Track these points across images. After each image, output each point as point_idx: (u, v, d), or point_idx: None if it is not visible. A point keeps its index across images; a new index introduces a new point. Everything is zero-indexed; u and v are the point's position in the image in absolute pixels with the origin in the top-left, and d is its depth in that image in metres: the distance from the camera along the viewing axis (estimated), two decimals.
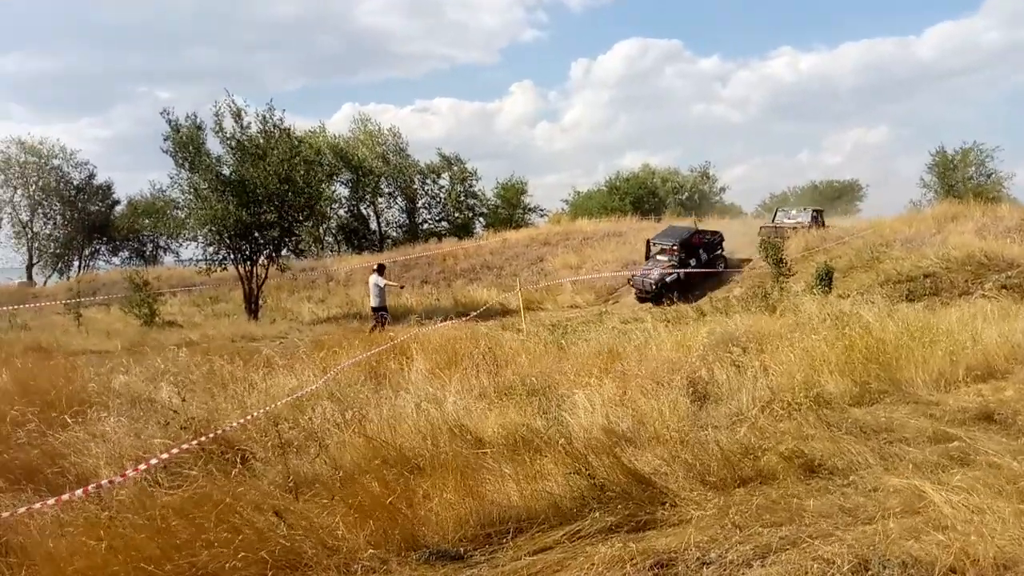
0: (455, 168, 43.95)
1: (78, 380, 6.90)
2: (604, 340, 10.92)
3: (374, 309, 14.87)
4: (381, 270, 15.26)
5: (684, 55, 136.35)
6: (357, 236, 43.27)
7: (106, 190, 43.52)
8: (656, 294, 20.00)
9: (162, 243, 41.97)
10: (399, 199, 44.49)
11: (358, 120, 44.53)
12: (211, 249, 21.31)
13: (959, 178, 33.61)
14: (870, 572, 3.22)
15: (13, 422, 5.36)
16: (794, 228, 24.29)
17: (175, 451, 4.60)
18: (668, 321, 13.97)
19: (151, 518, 3.50)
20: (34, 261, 41.22)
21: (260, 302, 21.89)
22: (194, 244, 22.54)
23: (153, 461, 4.44)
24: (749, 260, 22.63)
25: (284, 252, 23.28)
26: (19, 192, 40.87)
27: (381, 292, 14.72)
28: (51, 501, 3.73)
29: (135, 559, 3.24)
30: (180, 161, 20.26)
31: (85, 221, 41.95)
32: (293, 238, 23.00)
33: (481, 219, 45.08)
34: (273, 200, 20.57)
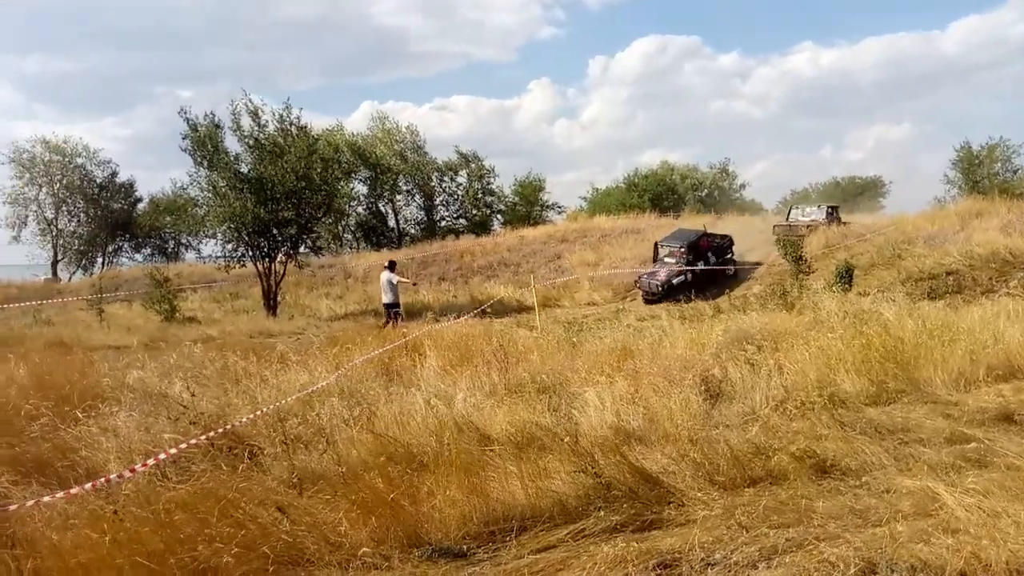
0: (472, 165, 44.04)
1: (93, 375, 6.98)
2: (618, 337, 10.87)
3: (386, 306, 14.91)
4: (392, 267, 15.29)
5: (703, 52, 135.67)
6: (376, 233, 43.48)
7: (128, 188, 44.19)
8: (663, 296, 19.85)
9: (183, 240, 42.46)
10: (417, 196, 44.69)
11: (376, 118, 44.80)
12: (230, 246, 21.54)
13: (984, 174, 33.05)
14: None
15: (27, 416, 5.43)
16: (808, 226, 23.96)
17: (183, 446, 4.63)
18: (685, 319, 13.89)
19: (155, 512, 3.52)
20: (59, 258, 41.92)
21: (278, 299, 22.06)
22: (213, 241, 22.83)
23: (161, 456, 4.47)
24: (760, 264, 22.31)
25: (302, 249, 23.45)
26: (44, 190, 41.63)
27: (393, 289, 14.76)
28: (60, 494, 3.76)
29: (138, 553, 3.25)
30: (199, 159, 20.48)
31: (108, 218, 42.59)
32: (311, 235, 23.14)
33: (499, 216, 45.16)
34: (291, 198, 20.73)
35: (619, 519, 4.04)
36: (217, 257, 22.44)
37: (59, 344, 12.90)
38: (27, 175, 41.13)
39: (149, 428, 5.20)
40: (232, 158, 20.67)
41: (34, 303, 22.17)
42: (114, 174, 43.58)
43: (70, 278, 39.73)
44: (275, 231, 21.21)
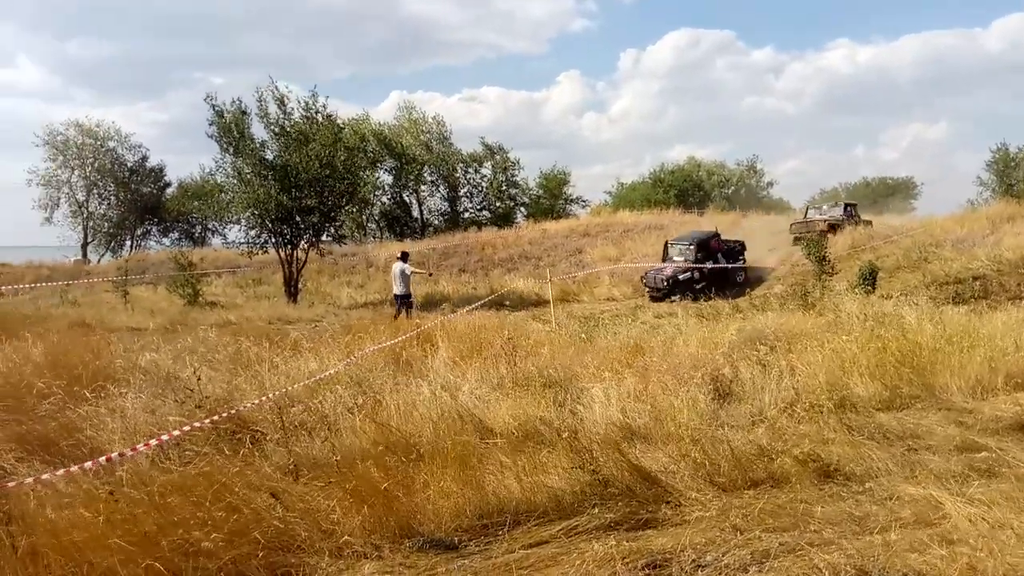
0: (497, 157, 43.95)
1: (107, 356, 7.09)
2: (632, 334, 10.80)
3: (397, 296, 14.91)
4: (405, 257, 15.32)
5: (736, 46, 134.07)
6: (399, 223, 43.64)
7: (158, 172, 44.82)
8: (668, 291, 19.62)
9: (210, 225, 42.98)
10: (441, 187, 44.72)
11: (403, 108, 44.83)
12: (253, 232, 21.75)
13: (1020, 177, 32.27)
14: None
15: (39, 394, 5.53)
16: (825, 222, 23.72)
17: (187, 428, 4.68)
18: (703, 317, 13.76)
19: (150, 494, 3.56)
20: (89, 240, 42.65)
21: (299, 286, 22.25)
22: (238, 227, 23.08)
23: (164, 437, 4.52)
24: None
25: (324, 237, 23.61)
26: (76, 173, 42.32)
27: (406, 279, 14.78)
28: (60, 472, 3.82)
29: (131, 533, 3.29)
30: (224, 146, 20.68)
31: (137, 202, 43.25)
32: (333, 223, 23.28)
33: (522, 209, 45.04)
34: (314, 185, 20.86)
35: (613, 517, 4.01)
36: (240, 243, 22.69)
37: (82, 324, 13.15)
38: (60, 158, 41.86)
39: (155, 410, 5.28)
40: (258, 145, 20.86)
41: (62, 283, 22.61)
42: (144, 158, 44.27)
43: (99, 260, 40.42)
44: (298, 218, 21.39)
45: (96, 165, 42.30)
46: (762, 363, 7.43)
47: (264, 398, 5.51)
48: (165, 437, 4.49)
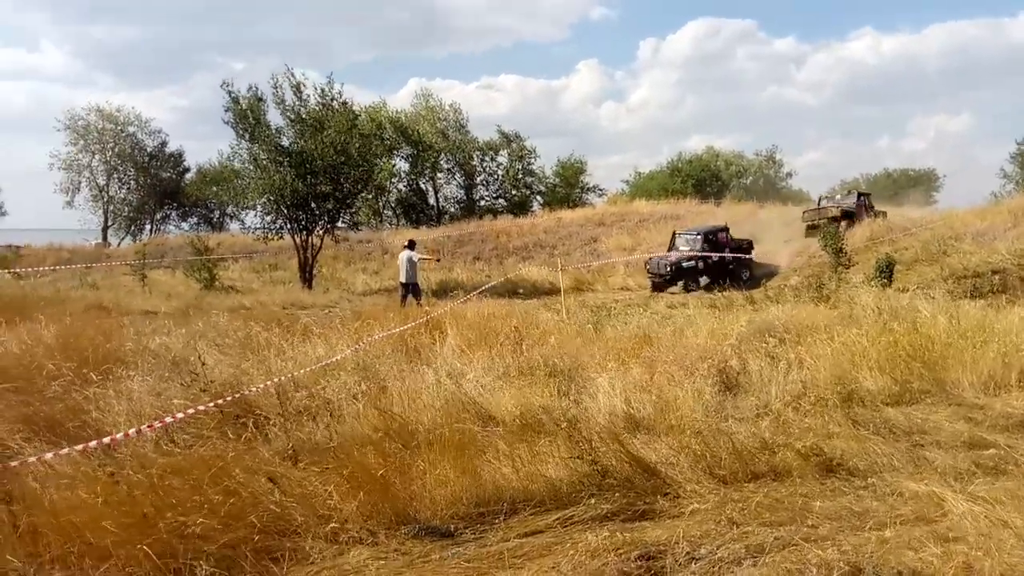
0: (514, 145, 43.83)
1: (118, 339, 7.17)
2: (643, 324, 10.75)
3: (403, 284, 14.92)
4: (412, 245, 15.32)
5: (758, 36, 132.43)
6: (415, 210, 43.74)
7: (177, 158, 45.22)
8: (672, 278, 19.44)
9: (229, 210, 43.31)
10: (458, 175, 44.72)
11: (420, 95, 44.79)
12: (269, 218, 21.88)
13: None
14: None
15: (49, 376, 5.61)
16: (837, 208, 23.55)
17: (191, 412, 4.73)
18: (716, 308, 13.66)
19: (149, 476, 3.60)
20: (109, 223, 43.18)
21: (314, 271, 22.37)
22: (254, 212, 23.23)
23: (168, 419, 4.57)
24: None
25: (340, 224, 23.69)
26: (97, 157, 42.83)
27: (413, 267, 14.79)
28: (63, 452, 3.87)
29: (129, 515, 3.34)
30: (240, 132, 20.78)
31: (157, 187, 43.70)
32: (348, 210, 23.35)
33: (539, 198, 44.97)
34: (329, 172, 20.91)
35: (610, 508, 4.00)
36: (256, 229, 22.85)
37: (99, 307, 13.32)
38: (81, 142, 42.36)
39: (161, 393, 5.33)
40: (273, 131, 20.94)
41: (82, 266, 22.93)
42: (164, 143, 44.71)
43: (119, 244, 40.92)
44: (313, 205, 21.47)
45: (116, 150, 42.77)
46: (771, 355, 7.37)
47: (269, 383, 5.55)
48: (169, 419, 4.54)
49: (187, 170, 45.62)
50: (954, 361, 7.07)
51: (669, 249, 21.15)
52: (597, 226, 30.99)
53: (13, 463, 3.62)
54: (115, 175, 43.33)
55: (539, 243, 29.81)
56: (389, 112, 42.72)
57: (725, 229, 21.60)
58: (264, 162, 20.77)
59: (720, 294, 16.11)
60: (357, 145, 21.28)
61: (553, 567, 3.33)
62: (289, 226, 21.74)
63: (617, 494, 4.13)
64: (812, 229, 23.44)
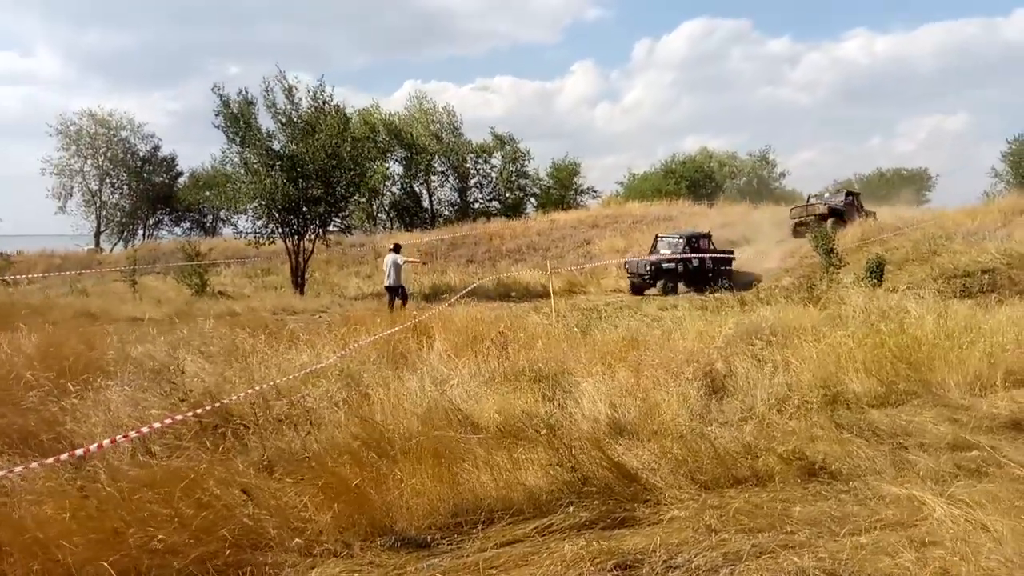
0: (507, 148, 43.83)
1: (100, 347, 7.11)
2: (632, 327, 10.73)
3: (389, 288, 14.85)
4: (398, 249, 15.26)
5: (752, 36, 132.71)
6: (409, 213, 43.69)
7: (170, 162, 45.12)
8: (651, 279, 19.43)
9: (222, 215, 43.23)
10: (451, 178, 44.70)
11: (414, 98, 44.77)
12: (260, 222, 21.82)
13: None
14: None
15: (27, 386, 5.55)
16: (825, 206, 23.68)
17: (168, 422, 4.68)
18: (707, 309, 13.64)
19: (120, 489, 3.55)
20: (102, 229, 43.02)
21: (306, 276, 22.31)
22: (245, 217, 23.18)
23: (145, 430, 4.52)
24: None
25: (332, 228, 23.63)
26: (89, 162, 42.71)
27: (398, 270, 14.73)
28: (34, 464, 3.81)
29: (97, 530, 3.29)
30: (231, 136, 20.72)
31: (150, 192, 43.58)
32: (340, 214, 23.31)
33: (532, 199, 44.98)
34: (320, 176, 20.85)
35: (589, 516, 3.97)
36: (247, 233, 22.79)
37: (86, 314, 13.25)
38: (73, 147, 42.20)
39: (139, 403, 5.28)
40: (265, 135, 20.88)
41: (70, 273, 22.81)
42: (157, 148, 44.59)
43: (112, 249, 40.78)
44: (304, 209, 21.41)
45: (109, 154, 42.63)
46: (757, 358, 7.35)
47: (250, 391, 5.50)
48: (146, 430, 4.49)
49: (180, 174, 45.58)
50: (940, 362, 7.05)
51: (650, 253, 21.15)
52: (591, 228, 30.99)
53: None
54: (108, 180, 43.21)
55: (532, 245, 29.79)
56: (382, 115, 42.71)
57: (707, 236, 21.58)
58: (255, 166, 20.71)
59: (711, 296, 16.08)
60: (349, 148, 21.24)
61: None
62: (281, 230, 21.67)
63: (596, 501, 4.09)
64: (800, 227, 23.52)
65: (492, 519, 3.98)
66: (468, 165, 44.25)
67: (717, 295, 16.00)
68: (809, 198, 26.91)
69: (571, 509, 4.01)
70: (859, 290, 13.38)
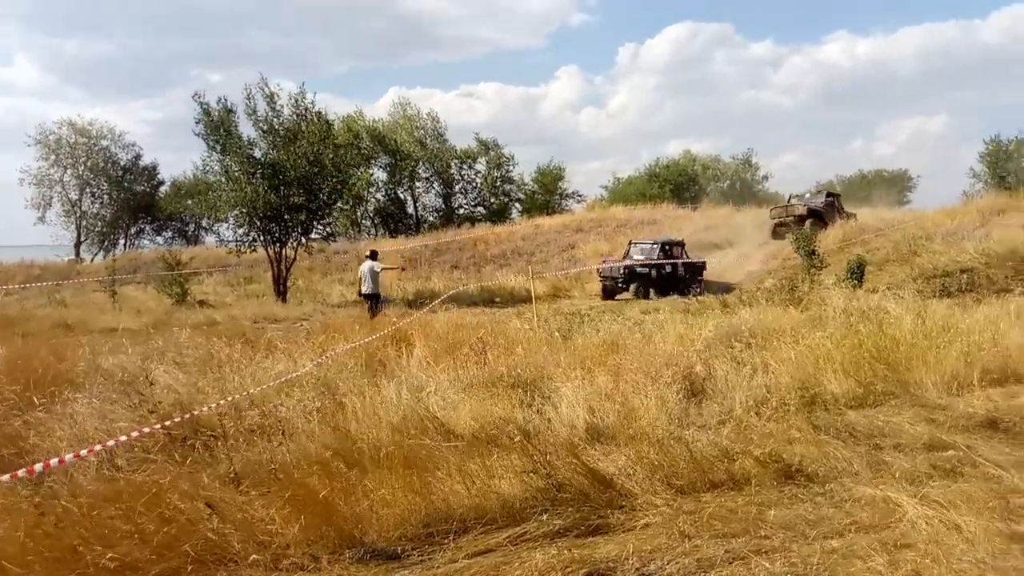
0: (492, 153, 43.86)
1: (71, 359, 6.99)
2: (613, 331, 10.70)
3: (365, 296, 14.66)
4: (374, 256, 15.11)
5: (735, 39, 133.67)
6: (394, 220, 43.57)
7: (151, 171, 44.76)
8: (624, 282, 19.54)
9: (204, 224, 42.89)
10: (436, 184, 44.64)
11: (398, 104, 44.72)
12: (241, 231, 21.62)
13: (1011, 169, 32.11)
14: None
15: None
16: (805, 207, 23.93)
17: (134, 435, 4.58)
18: (689, 312, 13.64)
19: (79, 506, 3.46)
20: (82, 239, 42.57)
21: (288, 284, 22.12)
22: (226, 225, 22.98)
23: (111, 443, 4.42)
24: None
25: (314, 235, 23.47)
26: (69, 172, 42.30)
27: (375, 277, 14.56)
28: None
29: (55, 548, 3.20)
30: (212, 144, 20.54)
31: (131, 201, 43.19)
32: (322, 221, 23.14)
33: (517, 205, 45.00)
34: (302, 183, 20.71)
35: (562, 523, 3.91)
36: (229, 242, 22.58)
37: (63, 325, 13.06)
38: (53, 156, 41.77)
39: (106, 416, 5.18)
40: (246, 143, 20.72)
41: (49, 283, 22.49)
42: (138, 157, 44.23)
43: (92, 259, 40.33)
44: (286, 216, 21.24)
45: (89, 164, 42.23)
46: (736, 360, 7.33)
47: (222, 402, 5.41)
48: (111, 443, 4.39)
49: (162, 183, 45.20)
50: (918, 362, 7.07)
51: (624, 258, 21.22)
52: (575, 232, 31.02)
53: None
54: (88, 190, 42.77)
55: (517, 250, 29.78)
56: (366, 122, 42.61)
57: (680, 244, 21.68)
58: (236, 174, 20.52)
59: (694, 299, 16.11)
60: (331, 155, 21.11)
61: None
62: (262, 238, 21.48)
63: (571, 509, 4.04)
64: (780, 228, 23.66)
65: (465, 529, 3.91)
66: (453, 171, 44.24)
67: (700, 298, 16.06)
68: (790, 199, 27.08)
69: (545, 517, 3.95)
70: (840, 291, 13.45)
